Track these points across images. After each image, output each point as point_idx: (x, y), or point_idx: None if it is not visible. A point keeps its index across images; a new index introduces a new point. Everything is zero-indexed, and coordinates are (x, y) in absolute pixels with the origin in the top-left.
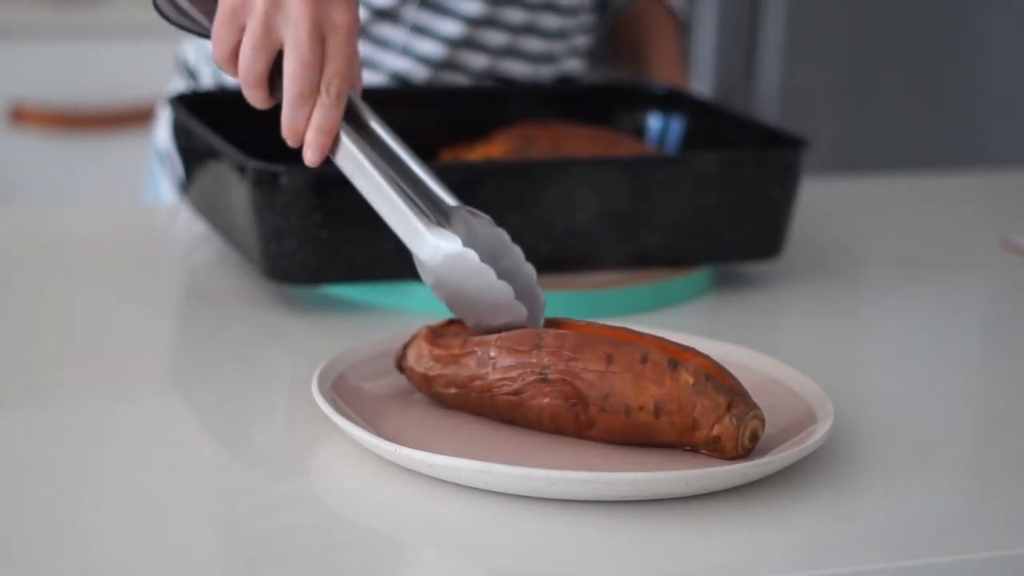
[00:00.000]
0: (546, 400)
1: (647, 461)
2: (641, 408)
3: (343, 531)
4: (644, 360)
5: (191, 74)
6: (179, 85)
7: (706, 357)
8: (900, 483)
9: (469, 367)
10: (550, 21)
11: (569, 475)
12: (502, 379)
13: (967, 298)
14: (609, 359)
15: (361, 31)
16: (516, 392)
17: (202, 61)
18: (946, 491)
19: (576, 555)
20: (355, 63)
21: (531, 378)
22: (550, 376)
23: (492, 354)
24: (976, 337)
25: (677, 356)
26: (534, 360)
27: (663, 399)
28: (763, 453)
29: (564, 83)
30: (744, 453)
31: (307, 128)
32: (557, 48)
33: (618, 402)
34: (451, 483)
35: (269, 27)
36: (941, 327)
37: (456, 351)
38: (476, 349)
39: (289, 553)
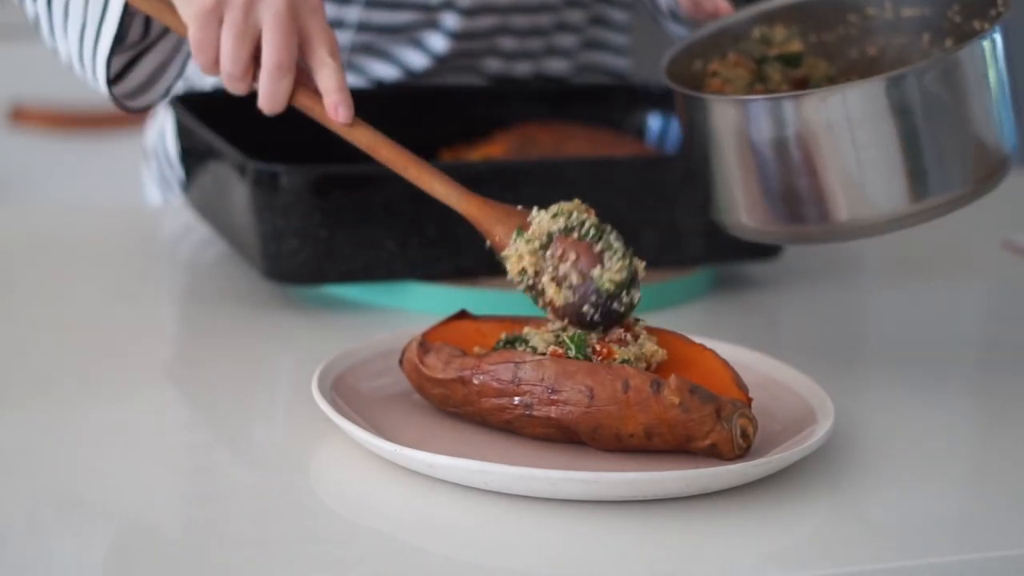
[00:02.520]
0: (538, 429)
1: (647, 461)
2: (631, 435)
3: (343, 530)
4: (626, 388)
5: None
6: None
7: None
8: (900, 483)
9: (457, 393)
10: (521, 20)
11: (569, 475)
12: (491, 409)
13: (967, 298)
14: (591, 393)
15: None
16: (507, 422)
17: (189, 72)
18: (946, 491)
19: (576, 555)
20: (332, 36)
21: (519, 411)
22: (535, 414)
23: (476, 383)
24: (976, 337)
25: (658, 377)
26: (516, 401)
27: (652, 424)
28: (763, 453)
29: (564, 83)
30: (742, 452)
31: (298, 98)
32: (534, 46)
33: (608, 432)
34: (451, 483)
35: (248, 15)
36: (941, 327)
37: (440, 375)
38: (460, 375)
39: (289, 553)
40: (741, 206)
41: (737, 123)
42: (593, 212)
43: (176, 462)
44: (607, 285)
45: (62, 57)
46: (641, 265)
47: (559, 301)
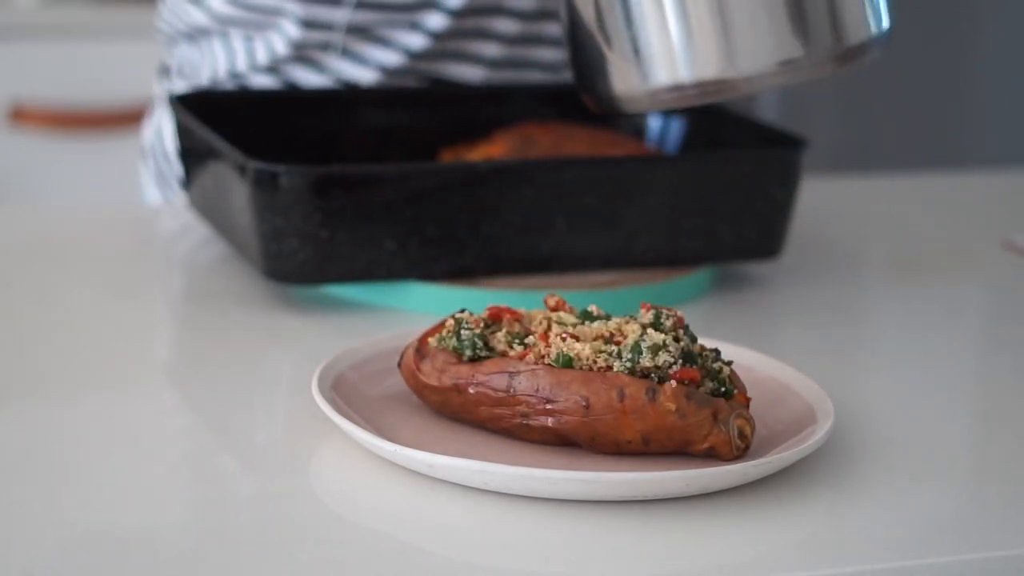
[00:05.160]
0: (536, 436)
1: (647, 462)
2: (629, 442)
3: (343, 531)
4: (621, 397)
5: (172, 78)
6: (159, 89)
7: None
8: (900, 483)
9: (454, 401)
10: (506, 26)
11: (569, 475)
12: (489, 417)
13: (967, 298)
14: (587, 403)
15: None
16: (506, 430)
17: (184, 68)
18: (946, 491)
19: (576, 555)
20: None
21: (516, 421)
22: (532, 423)
23: (472, 392)
24: (976, 337)
25: (653, 383)
26: (513, 411)
27: (649, 431)
28: (763, 453)
29: (564, 83)
30: (741, 453)
31: None
32: (530, 31)
33: (606, 440)
34: (451, 483)
35: None
36: (941, 327)
37: (435, 383)
38: (455, 383)
39: (289, 553)
40: (621, 73)
41: None
42: None
43: (175, 462)
44: None
45: None
46: None
47: None
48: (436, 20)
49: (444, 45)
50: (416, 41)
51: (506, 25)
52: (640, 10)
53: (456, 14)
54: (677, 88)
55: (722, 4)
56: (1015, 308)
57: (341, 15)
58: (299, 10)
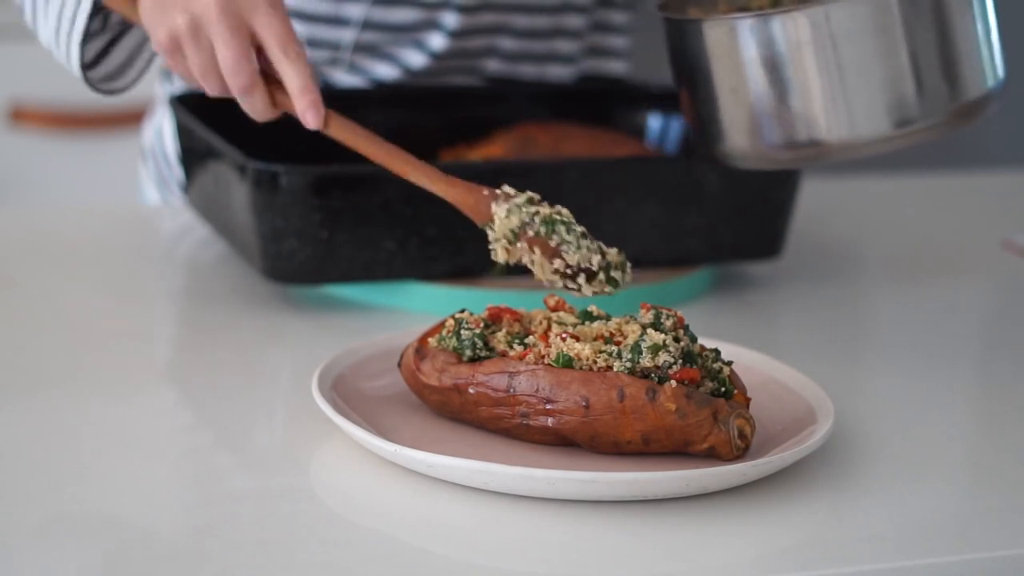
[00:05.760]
0: (536, 436)
1: (647, 462)
2: (629, 442)
3: (343, 530)
4: (621, 397)
5: (174, 80)
6: (160, 90)
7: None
8: (900, 483)
9: (454, 401)
10: (520, 20)
11: (569, 475)
12: (489, 417)
13: (967, 298)
14: (586, 404)
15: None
16: (505, 430)
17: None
18: (946, 491)
19: (576, 555)
20: (289, 25)
21: (516, 421)
22: (532, 423)
23: (472, 393)
24: (976, 338)
25: (653, 383)
26: (513, 411)
27: (649, 431)
28: (763, 453)
29: (564, 84)
30: (740, 453)
31: (281, 104)
32: (534, 49)
33: (606, 440)
34: (451, 483)
35: (199, 44)
36: (941, 327)
37: (435, 383)
38: (455, 383)
39: (289, 552)
40: (737, 130)
41: (726, 43)
42: (545, 203)
43: (176, 463)
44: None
45: (42, 40)
46: (613, 252)
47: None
48: (437, 41)
49: (446, 63)
50: (417, 59)
51: (508, 43)
52: (755, 71)
53: (456, 35)
54: (791, 147)
55: (836, 65)
56: (1015, 308)
57: (348, 35)
58: (302, 30)
